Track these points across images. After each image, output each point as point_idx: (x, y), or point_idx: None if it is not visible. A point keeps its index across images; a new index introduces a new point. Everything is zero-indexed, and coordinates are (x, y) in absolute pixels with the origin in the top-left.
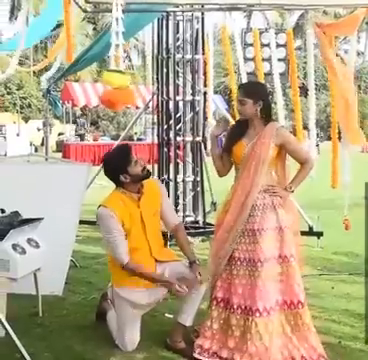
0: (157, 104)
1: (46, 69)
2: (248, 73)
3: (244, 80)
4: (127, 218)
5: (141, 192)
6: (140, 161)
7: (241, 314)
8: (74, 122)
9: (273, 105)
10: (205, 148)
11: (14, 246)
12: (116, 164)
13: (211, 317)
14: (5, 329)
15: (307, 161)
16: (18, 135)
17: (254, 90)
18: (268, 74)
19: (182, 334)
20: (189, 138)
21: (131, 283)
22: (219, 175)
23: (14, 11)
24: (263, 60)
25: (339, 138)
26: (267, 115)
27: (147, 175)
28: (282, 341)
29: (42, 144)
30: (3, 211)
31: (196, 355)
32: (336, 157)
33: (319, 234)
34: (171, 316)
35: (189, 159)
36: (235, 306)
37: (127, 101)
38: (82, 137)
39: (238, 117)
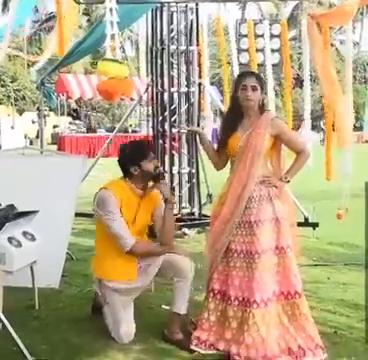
0: (152, 96)
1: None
2: (243, 64)
3: (236, 71)
4: (125, 206)
5: (145, 191)
6: (155, 161)
7: (238, 306)
8: (69, 114)
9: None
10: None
11: (10, 239)
12: (132, 154)
13: (208, 309)
14: (1, 322)
15: (303, 151)
16: (13, 128)
17: (262, 80)
18: (262, 65)
19: (179, 325)
20: (184, 130)
21: (118, 275)
22: (216, 169)
23: (7, 2)
24: (257, 51)
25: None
26: (263, 106)
27: (158, 175)
28: (279, 332)
29: (37, 136)
30: None
31: (193, 347)
32: (330, 149)
33: (315, 225)
34: (168, 308)
35: (184, 151)
36: (232, 298)
37: (126, 92)
38: (90, 129)
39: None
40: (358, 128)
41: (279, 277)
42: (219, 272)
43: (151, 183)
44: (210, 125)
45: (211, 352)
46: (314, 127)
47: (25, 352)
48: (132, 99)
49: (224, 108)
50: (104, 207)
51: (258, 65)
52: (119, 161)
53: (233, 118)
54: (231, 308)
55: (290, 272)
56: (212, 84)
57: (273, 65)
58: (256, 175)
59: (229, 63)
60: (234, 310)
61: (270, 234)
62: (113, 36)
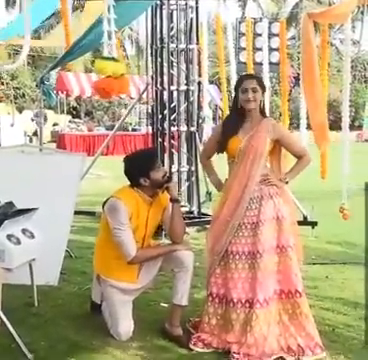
0: (152, 94)
1: (41, 59)
2: (242, 62)
3: (234, 70)
4: (135, 216)
5: (154, 197)
6: (162, 167)
7: (241, 308)
8: (69, 112)
9: None
10: (200, 139)
11: (9, 236)
12: (140, 167)
13: (207, 313)
14: (0, 319)
15: (305, 156)
16: (12, 125)
17: (262, 82)
18: (262, 63)
19: (180, 317)
20: (184, 128)
21: (120, 276)
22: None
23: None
24: (257, 49)
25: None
26: (263, 109)
27: (167, 181)
28: (279, 330)
29: (36, 134)
30: None
31: (192, 346)
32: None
33: (313, 224)
34: (166, 305)
35: (184, 149)
36: (234, 300)
37: (121, 90)
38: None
39: (225, 108)
40: (358, 127)
41: (280, 276)
42: (217, 275)
43: (160, 190)
44: (209, 124)
45: (209, 350)
46: None
47: (24, 349)
48: (132, 97)
49: (223, 106)
50: (114, 217)
51: (257, 64)
52: (127, 173)
53: (234, 121)
54: (234, 311)
55: (291, 271)
56: (211, 83)
57: (273, 64)
58: (257, 177)
59: (228, 62)
60: (237, 312)
61: (271, 233)
62: (110, 33)
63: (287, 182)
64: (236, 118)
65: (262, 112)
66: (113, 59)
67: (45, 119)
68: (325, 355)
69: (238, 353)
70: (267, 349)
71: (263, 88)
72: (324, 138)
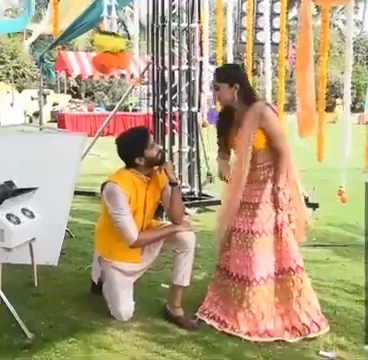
0: (152, 74)
1: (41, 37)
2: (244, 42)
3: (230, 50)
4: (134, 198)
5: (151, 176)
6: (156, 145)
7: (238, 283)
8: (69, 92)
9: (262, 75)
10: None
11: (8, 216)
12: (133, 147)
13: (215, 283)
14: (0, 298)
15: (281, 152)
16: (12, 105)
17: (228, 73)
18: (262, 43)
19: (181, 298)
20: (185, 108)
21: (123, 256)
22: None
23: None
24: (259, 29)
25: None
26: (247, 98)
27: (162, 159)
28: (282, 309)
29: (36, 114)
30: None
31: (197, 314)
32: (322, 130)
33: (315, 205)
34: (167, 286)
35: (185, 130)
36: (233, 275)
37: (121, 66)
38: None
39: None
40: (359, 109)
41: (279, 254)
42: (225, 250)
43: (156, 167)
44: (209, 105)
45: (214, 324)
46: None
47: (24, 328)
48: (132, 77)
49: None
50: (112, 202)
51: (259, 44)
52: (121, 155)
53: (224, 118)
54: (232, 285)
55: (290, 247)
56: (212, 63)
57: (275, 44)
58: (248, 162)
59: (226, 43)
60: (235, 287)
61: (270, 215)
62: (110, 8)
63: (278, 188)
64: (226, 113)
65: (246, 99)
66: (113, 34)
67: (45, 97)
68: (328, 329)
69: (240, 331)
70: (270, 327)
71: (228, 77)
72: (310, 126)
